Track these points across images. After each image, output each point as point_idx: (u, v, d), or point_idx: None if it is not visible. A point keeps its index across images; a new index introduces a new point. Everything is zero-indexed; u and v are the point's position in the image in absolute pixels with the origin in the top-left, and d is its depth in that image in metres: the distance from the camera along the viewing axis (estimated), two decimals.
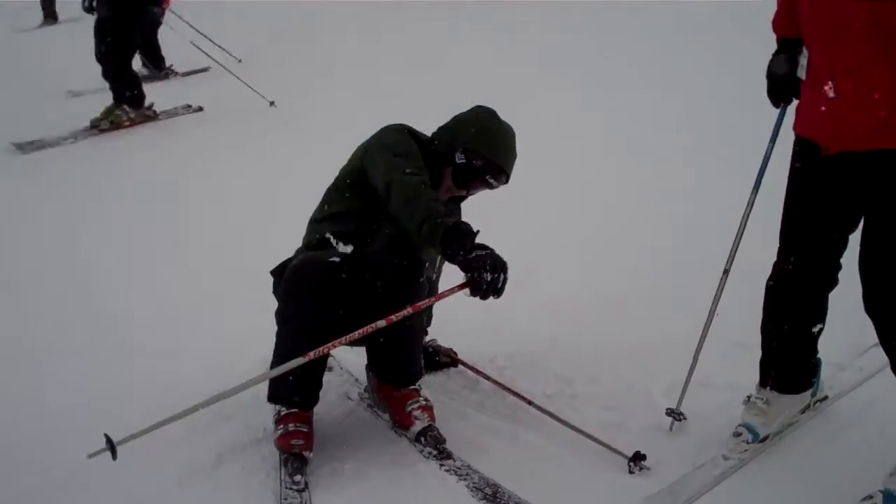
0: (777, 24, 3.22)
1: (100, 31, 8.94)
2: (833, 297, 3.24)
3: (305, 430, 3.41)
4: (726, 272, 3.45)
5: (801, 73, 3.07)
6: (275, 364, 3.43)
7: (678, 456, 3.39)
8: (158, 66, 11.47)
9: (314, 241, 3.61)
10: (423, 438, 3.51)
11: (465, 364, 4.09)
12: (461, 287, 3.13)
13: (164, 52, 11.40)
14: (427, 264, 3.56)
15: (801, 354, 3.38)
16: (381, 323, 3.13)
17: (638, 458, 3.31)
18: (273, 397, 3.47)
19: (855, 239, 3.08)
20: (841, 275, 3.15)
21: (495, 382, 3.90)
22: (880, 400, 3.20)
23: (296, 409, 3.44)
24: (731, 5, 10.77)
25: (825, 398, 3.61)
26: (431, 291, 3.78)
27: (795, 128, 3.13)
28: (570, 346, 4.27)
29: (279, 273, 3.61)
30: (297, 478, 3.32)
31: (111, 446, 2.73)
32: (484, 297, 3.09)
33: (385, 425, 3.72)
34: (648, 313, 4.55)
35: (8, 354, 4.58)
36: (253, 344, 3.92)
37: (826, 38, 2.85)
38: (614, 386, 3.89)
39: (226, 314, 4.87)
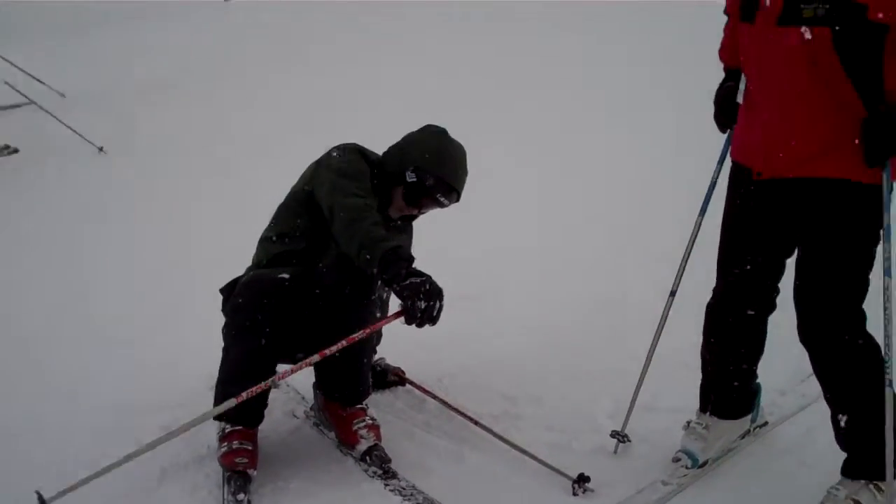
0: (722, 54, 3.31)
1: None
2: (775, 322, 3.31)
3: (250, 447, 3.41)
4: (673, 294, 3.51)
5: (740, 98, 3.15)
6: (220, 379, 3.46)
7: (622, 478, 3.44)
8: None
9: (264, 259, 3.62)
10: (368, 458, 3.53)
11: (412, 383, 4.12)
12: (396, 316, 3.16)
13: None
14: (379, 282, 3.59)
15: (740, 380, 3.44)
16: (316, 358, 3.18)
17: (582, 479, 3.35)
18: (218, 414, 3.46)
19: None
20: (783, 300, 3.21)
21: (442, 402, 3.94)
22: (820, 427, 3.26)
23: (240, 427, 3.44)
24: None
25: (765, 424, 3.69)
26: (383, 310, 3.81)
27: (732, 153, 3.22)
28: (517, 367, 4.32)
29: (228, 291, 3.62)
30: (241, 496, 3.31)
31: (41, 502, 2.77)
32: (419, 325, 3.13)
33: (331, 444, 3.73)
34: (595, 335, 4.62)
35: None
36: (197, 360, 3.94)
37: (761, 68, 2.94)
38: (560, 407, 3.94)
39: (169, 332, 4.85)
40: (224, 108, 10.23)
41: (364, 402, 3.68)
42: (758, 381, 3.54)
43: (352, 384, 3.64)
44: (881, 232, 2.90)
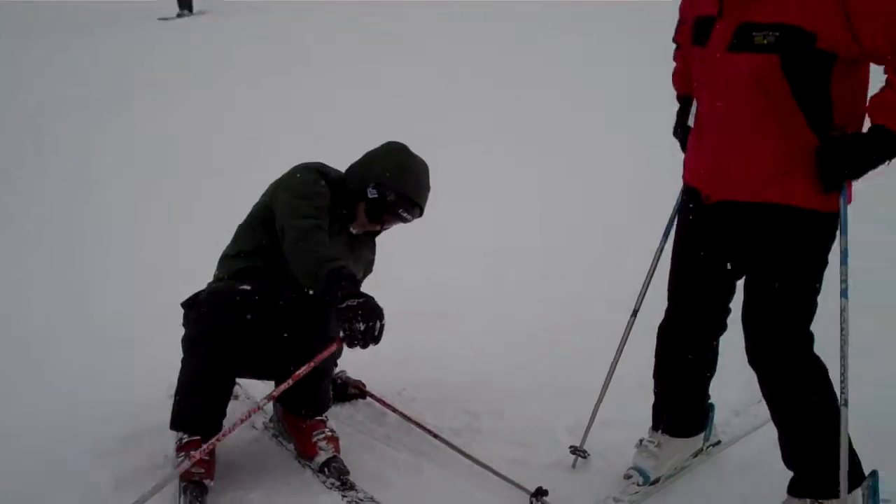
0: (675, 81, 3.39)
1: None
2: (731, 342, 3.34)
3: (207, 458, 3.40)
4: (635, 313, 3.56)
5: (691, 122, 3.21)
6: (178, 390, 3.48)
7: (580, 492, 3.48)
8: None
9: (225, 276, 3.66)
10: (326, 469, 3.55)
11: (373, 396, 4.15)
12: (339, 342, 3.19)
13: None
14: None
15: (692, 399, 3.50)
16: (290, 382, 3.22)
17: (540, 493, 3.39)
18: (175, 424, 3.49)
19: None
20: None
21: (402, 415, 3.97)
22: (772, 447, 3.30)
23: (198, 437, 3.44)
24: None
25: (718, 443, 3.74)
26: None
27: (683, 175, 3.28)
28: (478, 382, 4.36)
29: (189, 305, 3.62)
30: None
31: None
32: (363, 346, 3.15)
33: (289, 455, 3.75)
34: (556, 352, 4.67)
35: None
36: (154, 369, 3.98)
37: (712, 92, 3.00)
38: (520, 422, 3.99)
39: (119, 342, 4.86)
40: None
41: (324, 415, 3.71)
42: (711, 400, 3.59)
43: (312, 396, 3.66)
44: (829, 256, 2.98)
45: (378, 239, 4.03)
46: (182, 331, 3.64)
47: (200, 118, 9.99)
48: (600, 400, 3.64)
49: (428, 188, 3.80)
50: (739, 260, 3.16)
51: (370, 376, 4.25)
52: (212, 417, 3.47)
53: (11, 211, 7.38)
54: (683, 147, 3.36)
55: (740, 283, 3.22)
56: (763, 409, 3.60)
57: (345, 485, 3.50)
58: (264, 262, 3.60)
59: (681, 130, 3.37)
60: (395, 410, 4.00)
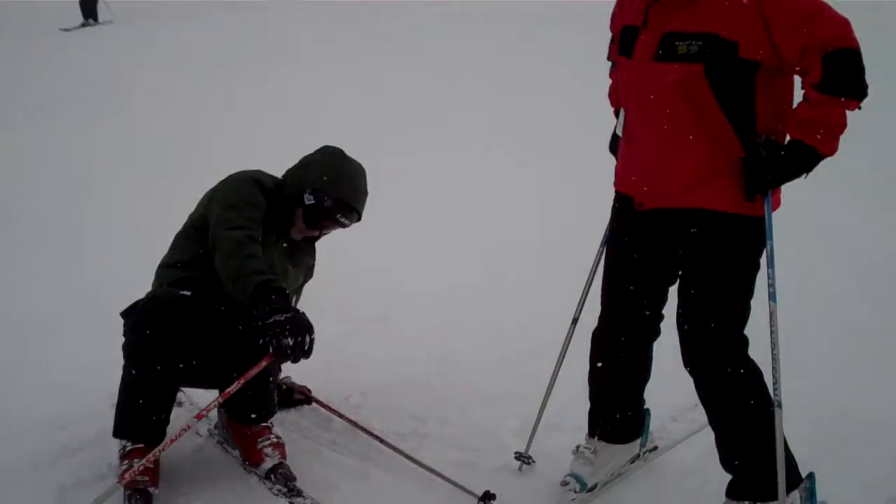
0: (611, 98, 3.46)
1: None
2: (664, 347, 3.41)
3: (151, 465, 3.39)
4: (575, 321, 3.61)
5: (619, 131, 3.28)
6: (120, 398, 3.45)
7: (528, 495, 3.53)
8: None
9: (164, 285, 3.65)
10: (273, 476, 3.56)
11: (318, 402, 4.17)
12: (268, 358, 3.21)
13: None
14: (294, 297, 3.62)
15: (628, 405, 3.56)
16: (220, 399, 3.27)
17: (488, 497, 3.43)
18: (118, 432, 3.47)
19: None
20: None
21: (349, 421, 3.99)
22: (710, 451, 3.34)
23: (142, 445, 3.42)
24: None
25: (655, 448, 3.80)
26: None
27: (614, 183, 3.35)
28: (424, 387, 4.40)
29: (128, 313, 3.60)
30: None
31: None
32: (294, 361, 3.18)
33: (234, 461, 3.75)
34: (501, 357, 4.73)
35: None
36: (96, 376, 3.95)
37: (639, 102, 3.07)
38: (466, 426, 4.03)
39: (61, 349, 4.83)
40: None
41: (269, 421, 3.71)
42: (646, 406, 3.65)
43: (256, 403, 3.66)
44: (761, 259, 3.06)
45: (323, 242, 4.04)
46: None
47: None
48: (544, 405, 3.70)
49: (365, 192, 3.83)
50: (672, 266, 3.23)
51: (316, 382, 4.25)
52: (155, 425, 3.45)
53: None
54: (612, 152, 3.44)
55: (673, 290, 3.29)
56: (699, 414, 3.67)
57: (291, 491, 3.50)
58: (203, 271, 3.58)
59: (612, 144, 3.44)
60: (341, 416, 4.02)
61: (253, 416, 3.66)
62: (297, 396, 4.20)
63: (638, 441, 3.65)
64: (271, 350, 3.14)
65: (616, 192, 3.34)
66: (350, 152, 3.85)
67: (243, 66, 12.57)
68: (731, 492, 3.25)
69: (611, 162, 3.41)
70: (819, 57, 2.75)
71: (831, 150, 2.85)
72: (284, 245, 3.79)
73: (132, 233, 6.48)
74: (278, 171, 3.87)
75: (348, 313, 5.18)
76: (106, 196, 7.77)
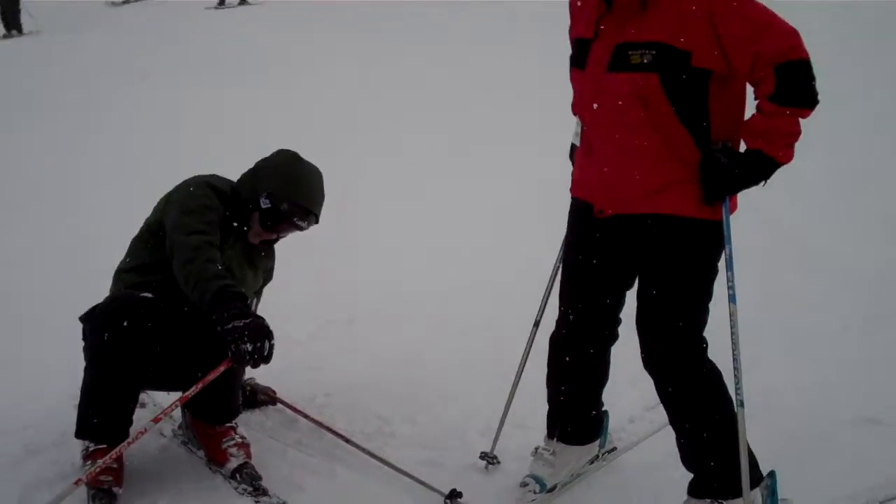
0: (573, 108, 3.45)
1: None
2: (624, 350, 3.46)
3: (115, 465, 3.40)
4: (536, 324, 3.67)
5: (576, 141, 3.32)
6: (82, 399, 3.46)
7: (494, 495, 3.58)
8: None
9: (121, 290, 3.65)
10: (238, 475, 3.58)
11: (283, 402, 4.19)
12: (226, 363, 3.24)
13: None
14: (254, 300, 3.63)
15: (586, 407, 3.60)
16: (178, 404, 3.33)
17: (454, 495, 3.47)
18: (81, 432, 3.48)
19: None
20: (633, 329, 3.33)
21: (314, 421, 4.02)
22: (669, 451, 3.39)
23: (105, 445, 3.43)
24: None
25: (614, 449, 3.84)
26: None
27: (571, 189, 3.39)
28: (389, 387, 4.43)
29: (87, 317, 3.60)
30: None
31: None
32: (254, 366, 3.24)
33: (199, 461, 3.77)
34: (465, 357, 4.75)
35: None
36: (59, 378, 3.95)
37: (595, 112, 3.11)
38: (432, 426, 4.07)
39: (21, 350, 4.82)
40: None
41: (233, 421, 3.73)
42: (605, 408, 3.70)
43: (221, 403, 3.68)
44: (720, 263, 3.13)
45: (286, 245, 4.04)
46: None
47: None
48: (508, 406, 3.75)
49: (322, 195, 3.84)
50: (629, 270, 3.29)
51: (280, 383, 4.27)
52: (117, 426, 3.45)
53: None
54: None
55: (630, 293, 3.35)
56: (658, 415, 3.75)
57: (257, 490, 3.53)
58: (160, 275, 3.58)
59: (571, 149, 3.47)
60: (306, 416, 4.05)
61: (217, 416, 3.68)
62: (262, 397, 4.21)
63: (597, 442, 3.70)
64: (230, 355, 3.18)
65: (573, 197, 3.38)
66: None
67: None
68: (694, 490, 3.30)
69: (568, 165, 3.45)
70: (770, 69, 2.84)
71: (788, 157, 2.94)
72: (242, 249, 3.81)
73: (97, 236, 6.41)
74: None
75: (312, 315, 5.21)
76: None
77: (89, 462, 3.40)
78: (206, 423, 3.71)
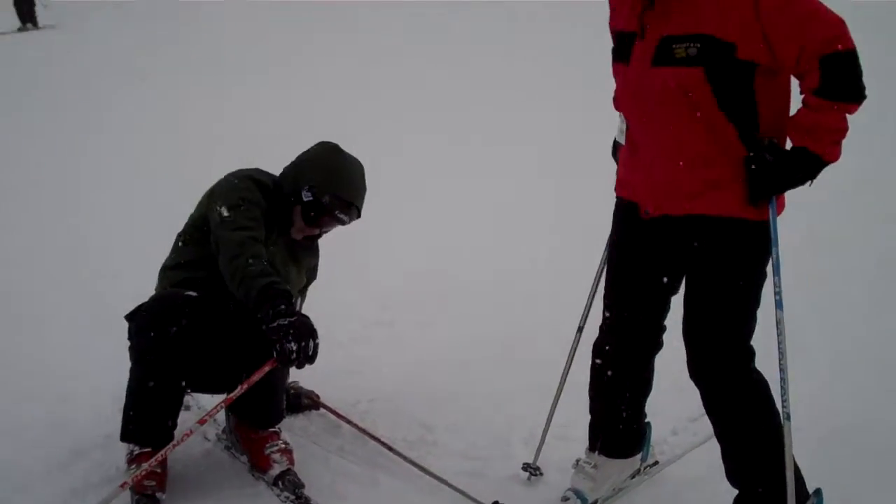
0: (615, 103, 3.41)
1: None
2: (667, 360, 3.44)
3: (159, 470, 3.43)
4: (580, 330, 3.64)
5: (621, 139, 3.28)
6: (127, 402, 3.49)
7: None
8: None
9: (167, 288, 3.69)
10: (280, 482, 3.59)
11: (327, 407, 4.20)
12: (272, 362, 3.24)
13: None
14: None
15: (629, 419, 3.55)
16: (222, 405, 3.31)
17: None
18: (126, 436, 3.51)
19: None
20: (675, 337, 3.30)
21: (357, 427, 4.03)
22: (712, 465, 3.34)
23: (149, 449, 3.45)
24: None
25: (656, 463, 3.79)
26: None
27: (616, 189, 3.35)
28: (433, 394, 4.43)
29: (132, 316, 3.63)
30: None
31: None
32: (299, 367, 3.23)
33: (242, 467, 3.79)
34: (510, 364, 4.74)
35: None
36: (103, 381, 4.02)
37: (640, 108, 3.08)
38: (475, 434, 4.07)
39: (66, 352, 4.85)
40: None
41: (277, 426, 3.74)
42: (647, 419, 3.65)
43: (265, 407, 3.70)
44: (768, 268, 3.06)
45: (335, 249, 4.05)
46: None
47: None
48: (551, 415, 3.73)
49: (364, 188, 3.84)
50: (677, 274, 3.25)
51: (324, 387, 4.29)
52: (162, 429, 3.48)
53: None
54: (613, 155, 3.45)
55: (676, 300, 3.31)
56: (701, 427, 3.70)
57: (300, 498, 3.53)
58: (206, 272, 3.61)
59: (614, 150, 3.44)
60: (349, 422, 4.06)
61: (261, 421, 3.70)
62: (306, 402, 4.23)
63: (639, 455, 3.65)
64: (275, 355, 3.18)
65: (618, 197, 3.34)
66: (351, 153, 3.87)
67: (245, 65, 12.76)
68: None
69: (611, 165, 3.41)
70: (816, 61, 2.77)
71: (835, 156, 2.87)
72: (285, 245, 3.82)
73: (134, 237, 6.50)
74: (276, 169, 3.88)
75: (355, 318, 5.23)
76: (113, 199, 7.84)
77: (134, 466, 3.43)
78: (250, 428, 3.73)
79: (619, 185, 3.33)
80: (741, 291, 3.08)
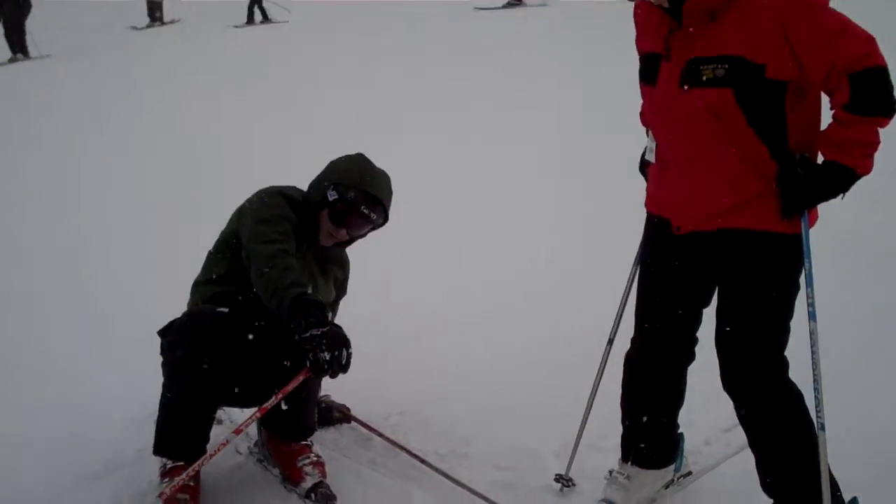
0: (641, 118, 3.43)
1: None
2: (700, 371, 3.43)
3: (192, 483, 3.45)
4: (610, 342, 3.65)
5: (651, 157, 3.30)
6: (160, 416, 3.54)
7: None
8: None
9: (199, 303, 3.75)
10: (313, 495, 3.63)
11: (358, 420, 4.22)
12: (305, 372, 3.26)
13: None
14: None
15: (661, 430, 3.55)
16: (257, 415, 3.30)
17: None
18: (158, 450, 3.55)
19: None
20: (708, 348, 3.30)
21: (388, 440, 4.04)
22: (746, 476, 3.34)
23: (182, 462, 3.49)
24: None
25: (689, 473, 3.77)
26: None
27: (647, 205, 3.37)
28: (464, 405, 4.43)
29: (165, 332, 3.69)
30: None
31: None
32: (333, 376, 3.24)
33: (274, 480, 3.82)
34: (544, 376, 4.73)
35: None
36: (135, 395, 4.06)
37: (668, 128, 3.11)
38: (506, 446, 4.06)
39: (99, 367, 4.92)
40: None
41: (309, 439, 3.77)
42: (680, 430, 3.65)
43: (297, 420, 3.73)
44: (801, 279, 3.06)
45: (361, 263, 4.07)
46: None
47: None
48: (583, 426, 3.73)
49: (390, 192, 3.86)
50: (708, 287, 3.26)
51: (355, 400, 4.31)
52: (195, 444, 3.52)
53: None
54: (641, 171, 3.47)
55: (708, 311, 3.31)
56: (734, 438, 3.69)
57: None
58: (237, 286, 3.66)
59: (641, 165, 3.46)
60: (381, 435, 4.08)
61: (293, 434, 3.73)
62: (337, 415, 4.26)
63: (672, 466, 3.65)
64: (308, 364, 3.20)
65: (649, 213, 3.36)
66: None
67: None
68: None
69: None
70: (845, 77, 2.78)
71: (867, 168, 2.88)
72: (314, 257, 3.85)
73: (168, 252, 6.55)
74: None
75: (380, 331, 5.22)
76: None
77: (167, 479, 3.46)
78: (282, 441, 3.77)
79: (650, 201, 3.35)
80: (775, 303, 3.09)
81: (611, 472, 3.59)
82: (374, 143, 3.85)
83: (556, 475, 3.73)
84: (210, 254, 3.86)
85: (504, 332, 5.30)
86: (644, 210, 3.38)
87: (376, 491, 3.73)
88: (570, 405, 3.85)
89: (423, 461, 3.85)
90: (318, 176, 3.88)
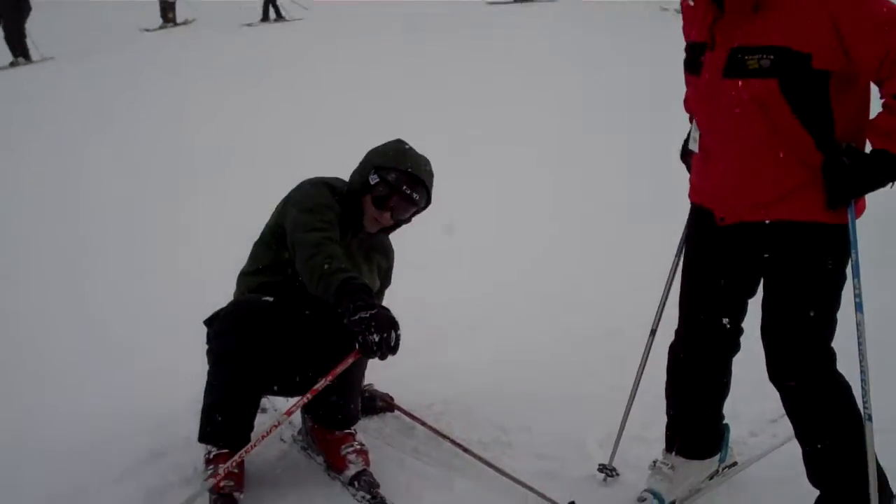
0: (686, 104, 3.41)
1: None
2: (746, 362, 3.42)
3: (236, 471, 3.50)
4: (653, 333, 3.65)
5: (694, 147, 3.28)
6: (206, 405, 3.59)
7: None
8: None
9: (245, 293, 3.79)
10: (356, 482, 3.66)
11: (401, 409, 4.25)
12: (354, 354, 3.28)
13: None
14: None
15: (707, 420, 3.55)
16: (308, 396, 3.31)
17: None
18: (204, 437, 3.61)
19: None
20: (754, 339, 3.29)
21: (431, 429, 4.07)
22: (791, 466, 3.35)
23: (227, 450, 3.54)
24: None
25: (734, 464, 3.76)
26: None
27: (690, 195, 3.36)
28: (507, 395, 4.45)
29: (211, 321, 3.75)
30: None
31: None
32: (382, 358, 3.24)
33: (318, 468, 3.86)
34: (588, 365, 4.75)
35: None
36: (182, 383, 4.11)
37: (712, 119, 3.08)
38: (550, 435, 4.07)
39: (147, 354, 4.99)
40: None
41: (352, 427, 3.81)
42: (725, 421, 3.64)
43: (341, 408, 3.77)
44: (848, 270, 3.04)
45: (401, 255, 4.09)
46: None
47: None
48: (626, 416, 3.74)
49: (431, 174, 3.87)
50: (754, 278, 3.24)
51: (398, 389, 4.34)
52: (240, 431, 3.57)
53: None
54: (690, 169, 3.44)
55: (754, 302, 3.29)
56: (780, 429, 3.66)
57: (375, 498, 3.60)
58: (283, 276, 3.72)
59: (683, 149, 3.45)
60: (424, 424, 4.10)
61: (337, 422, 3.77)
62: (380, 404, 4.29)
63: (717, 457, 3.64)
64: (357, 347, 3.23)
65: (693, 204, 3.35)
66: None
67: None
68: None
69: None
70: None
71: None
72: (358, 245, 3.88)
73: (211, 241, 6.62)
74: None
75: (427, 321, 5.24)
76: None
77: (212, 467, 3.52)
78: (326, 429, 3.81)
79: (693, 192, 3.34)
80: (821, 294, 3.07)
81: (654, 463, 3.59)
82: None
83: (600, 465, 3.74)
84: (255, 245, 3.90)
85: (551, 324, 5.30)
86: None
87: (419, 479, 3.76)
88: (615, 395, 3.84)
89: (466, 450, 3.86)
90: (359, 165, 3.90)
